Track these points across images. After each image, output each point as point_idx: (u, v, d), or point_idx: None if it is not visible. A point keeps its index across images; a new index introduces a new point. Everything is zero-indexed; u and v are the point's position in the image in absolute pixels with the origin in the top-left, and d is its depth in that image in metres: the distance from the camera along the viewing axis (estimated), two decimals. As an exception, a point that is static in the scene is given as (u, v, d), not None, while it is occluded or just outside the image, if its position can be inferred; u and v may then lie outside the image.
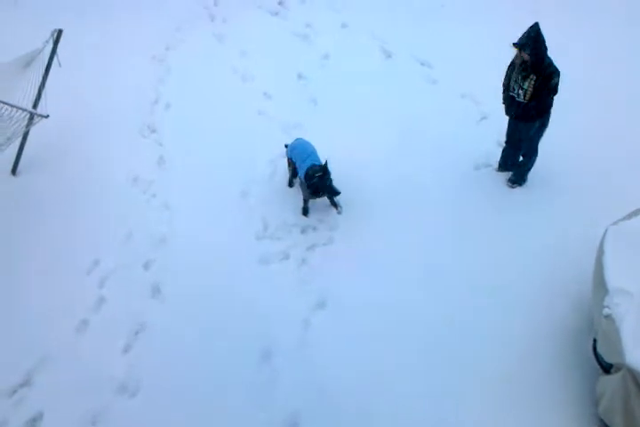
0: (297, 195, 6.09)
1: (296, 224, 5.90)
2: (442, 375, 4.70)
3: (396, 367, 4.75)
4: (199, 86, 7.49)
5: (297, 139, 6.25)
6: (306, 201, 5.98)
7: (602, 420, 4.26)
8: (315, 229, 5.86)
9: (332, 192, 5.81)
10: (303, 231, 5.85)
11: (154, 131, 7.00)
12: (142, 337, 5.01)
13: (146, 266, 5.58)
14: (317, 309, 5.18)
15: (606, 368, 4.23)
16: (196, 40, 8.22)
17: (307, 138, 6.20)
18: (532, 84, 5.38)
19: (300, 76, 7.63)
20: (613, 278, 4.26)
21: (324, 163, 5.71)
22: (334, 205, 6.02)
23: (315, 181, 5.67)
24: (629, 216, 4.68)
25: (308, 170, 5.74)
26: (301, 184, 5.91)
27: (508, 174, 6.19)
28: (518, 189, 6.11)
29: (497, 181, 6.22)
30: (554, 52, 5.40)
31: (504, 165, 6.21)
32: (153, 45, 8.07)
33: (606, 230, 4.60)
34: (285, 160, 6.25)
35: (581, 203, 5.81)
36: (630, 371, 3.81)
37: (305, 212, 5.98)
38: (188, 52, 8.04)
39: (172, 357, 4.87)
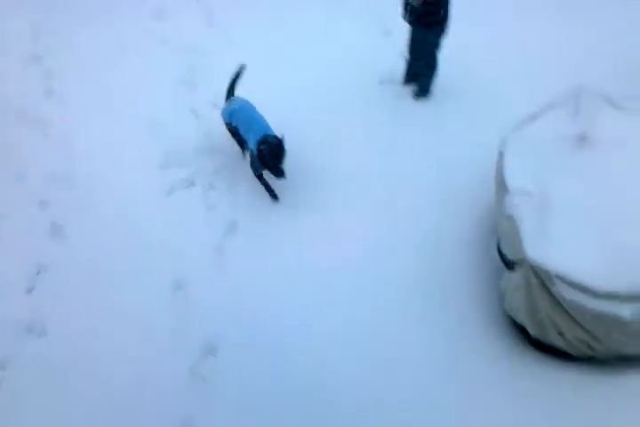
0: (201, 119, 5.85)
1: (200, 149, 5.67)
2: (357, 283, 4.77)
3: (310, 285, 4.77)
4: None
5: (234, 100, 5.45)
6: (260, 176, 5.27)
7: (508, 315, 4.47)
8: (221, 152, 5.64)
9: (279, 170, 5.09)
10: (208, 156, 5.62)
11: (39, 60, 6.46)
12: (45, 277, 4.81)
13: (43, 205, 5.28)
14: (228, 234, 5.08)
15: (509, 266, 4.39)
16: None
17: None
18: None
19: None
20: (513, 180, 4.34)
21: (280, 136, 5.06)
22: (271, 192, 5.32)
23: (272, 150, 4.98)
24: (526, 121, 4.74)
25: (262, 139, 5.04)
26: (251, 157, 5.22)
27: (413, 87, 6.13)
28: (423, 102, 6.06)
29: (402, 95, 6.15)
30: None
31: (408, 77, 6.15)
32: None
33: (506, 135, 4.65)
34: (224, 127, 5.50)
35: (481, 114, 5.81)
36: (531, 265, 3.96)
37: (272, 195, 5.28)
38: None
39: (80, 295, 4.71)
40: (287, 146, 5.03)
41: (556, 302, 3.95)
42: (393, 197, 5.31)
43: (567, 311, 3.95)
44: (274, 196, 5.28)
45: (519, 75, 6.05)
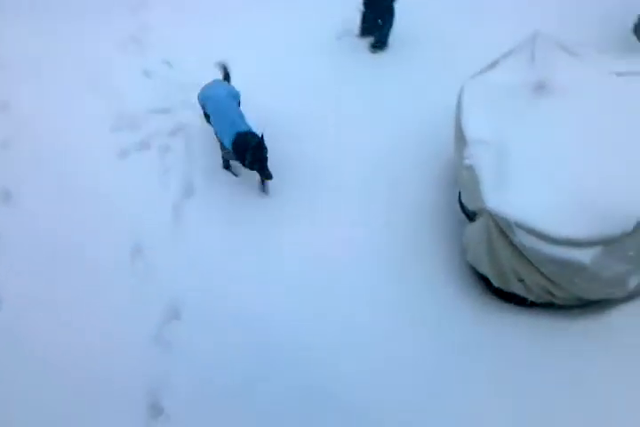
0: (154, 79, 5.65)
1: (154, 110, 5.47)
2: (316, 244, 4.73)
3: (266, 243, 4.73)
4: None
5: (211, 84, 4.96)
6: (226, 161, 5.03)
7: (471, 266, 4.49)
8: (176, 113, 5.47)
9: (266, 173, 4.69)
10: (163, 117, 5.42)
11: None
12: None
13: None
14: (186, 196, 4.97)
15: (471, 217, 4.39)
16: None
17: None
18: None
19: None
20: (471, 130, 4.30)
21: (260, 134, 4.59)
22: (264, 188, 4.96)
23: (254, 153, 4.58)
24: (484, 70, 4.67)
25: (236, 139, 4.62)
26: (226, 153, 4.91)
27: (370, 40, 6.00)
28: (380, 54, 5.95)
29: (359, 48, 6.01)
30: None
31: (364, 29, 6.00)
32: None
33: (463, 85, 4.58)
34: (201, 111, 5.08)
35: (440, 65, 5.71)
36: (490, 214, 3.95)
37: (226, 165, 5.04)
38: None
39: (35, 263, 4.58)
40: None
41: (517, 249, 3.97)
42: (351, 146, 5.25)
43: (527, 259, 3.97)
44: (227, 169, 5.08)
45: (479, 23, 5.96)
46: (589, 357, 4.12)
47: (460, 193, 4.62)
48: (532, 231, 3.84)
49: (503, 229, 3.94)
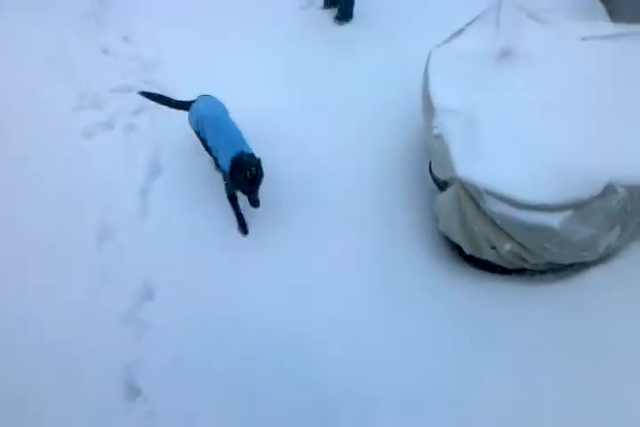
0: (115, 56, 5.49)
1: (116, 89, 5.33)
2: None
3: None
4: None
5: (202, 98, 4.65)
6: (233, 198, 4.56)
7: (444, 236, 4.50)
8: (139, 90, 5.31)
9: (254, 200, 4.34)
10: (126, 96, 5.25)
11: None
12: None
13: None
14: (153, 176, 4.87)
15: (441, 186, 4.38)
16: None
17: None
18: None
19: None
20: (439, 99, 4.27)
21: (255, 156, 4.32)
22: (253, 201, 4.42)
23: (247, 173, 4.21)
24: (449, 39, 4.63)
25: (235, 160, 4.27)
26: (224, 177, 4.52)
27: (334, 12, 5.90)
28: (346, 26, 5.86)
29: (324, 20, 5.92)
30: None
31: (327, 0, 5.90)
32: None
33: (429, 53, 4.54)
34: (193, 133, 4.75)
35: (407, 34, 5.60)
36: (461, 183, 3.95)
37: (242, 226, 4.60)
38: None
39: (5, 244, 4.47)
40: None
41: (488, 217, 3.98)
42: (320, 119, 5.19)
43: (498, 226, 3.99)
44: (243, 227, 4.59)
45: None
46: (563, 318, 4.15)
47: (430, 163, 4.60)
48: (502, 198, 3.85)
49: (474, 196, 3.95)
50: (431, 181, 4.65)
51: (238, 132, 4.49)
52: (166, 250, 4.49)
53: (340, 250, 4.55)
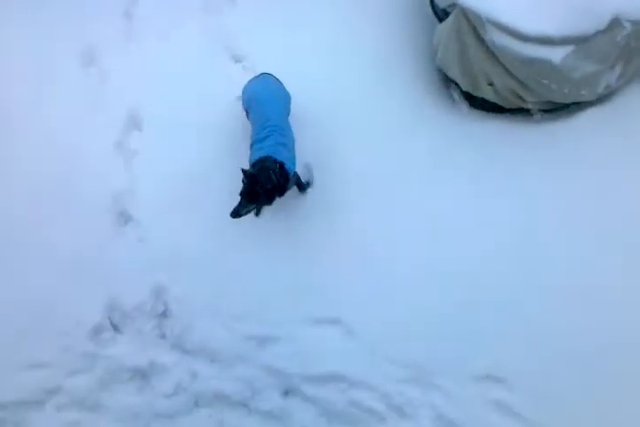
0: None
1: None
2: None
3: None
4: None
5: (259, 79, 3.96)
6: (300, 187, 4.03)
7: (441, 71, 4.33)
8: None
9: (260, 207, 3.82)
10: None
11: None
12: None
13: None
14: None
15: (442, 17, 4.14)
16: None
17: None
18: None
19: None
20: None
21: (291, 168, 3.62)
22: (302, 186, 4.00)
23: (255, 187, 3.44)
24: None
25: (257, 162, 3.55)
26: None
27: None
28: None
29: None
30: None
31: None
32: None
33: None
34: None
35: None
36: (462, 9, 3.73)
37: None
38: None
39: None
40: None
41: (488, 49, 3.81)
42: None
43: (498, 59, 3.83)
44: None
45: None
46: (557, 157, 4.12)
47: (431, -8, 4.31)
48: (503, 28, 3.66)
49: (474, 25, 3.75)
50: (432, 12, 4.38)
51: (281, 130, 3.72)
52: (152, 78, 4.39)
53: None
